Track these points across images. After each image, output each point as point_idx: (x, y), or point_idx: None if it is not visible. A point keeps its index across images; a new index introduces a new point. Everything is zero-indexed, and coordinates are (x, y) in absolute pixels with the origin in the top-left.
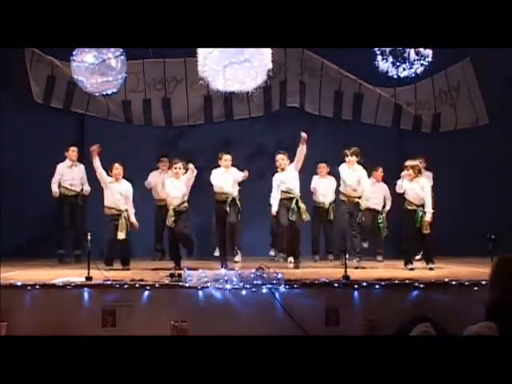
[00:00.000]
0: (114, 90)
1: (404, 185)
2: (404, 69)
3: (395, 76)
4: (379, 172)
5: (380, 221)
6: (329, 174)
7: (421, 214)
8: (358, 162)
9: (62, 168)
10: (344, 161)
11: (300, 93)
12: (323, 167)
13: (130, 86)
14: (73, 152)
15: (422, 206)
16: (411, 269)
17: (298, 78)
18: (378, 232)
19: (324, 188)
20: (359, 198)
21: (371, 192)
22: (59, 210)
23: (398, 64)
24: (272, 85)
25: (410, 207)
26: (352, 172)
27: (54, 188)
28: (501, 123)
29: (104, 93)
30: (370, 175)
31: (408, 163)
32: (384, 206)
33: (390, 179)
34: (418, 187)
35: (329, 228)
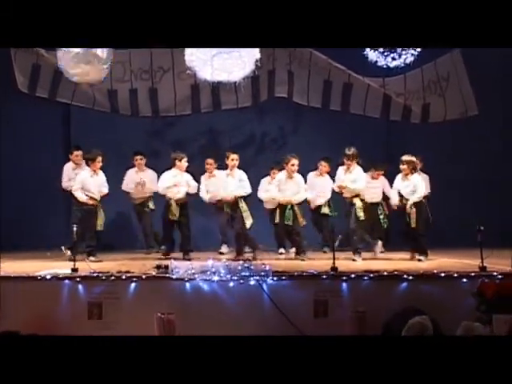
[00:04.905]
0: (100, 80)
1: (396, 180)
2: (393, 59)
3: (384, 66)
4: (375, 171)
5: (379, 212)
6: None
7: (409, 207)
8: (357, 163)
9: (67, 170)
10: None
11: (288, 83)
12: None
13: (116, 76)
14: (76, 157)
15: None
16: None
17: (287, 67)
18: (378, 224)
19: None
20: (355, 196)
21: (367, 188)
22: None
23: (387, 54)
24: (260, 74)
25: (403, 202)
26: (350, 175)
27: (66, 184)
28: (491, 115)
29: (90, 82)
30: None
31: (404, 158)
32: (385, 200)
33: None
34: (409, 185)
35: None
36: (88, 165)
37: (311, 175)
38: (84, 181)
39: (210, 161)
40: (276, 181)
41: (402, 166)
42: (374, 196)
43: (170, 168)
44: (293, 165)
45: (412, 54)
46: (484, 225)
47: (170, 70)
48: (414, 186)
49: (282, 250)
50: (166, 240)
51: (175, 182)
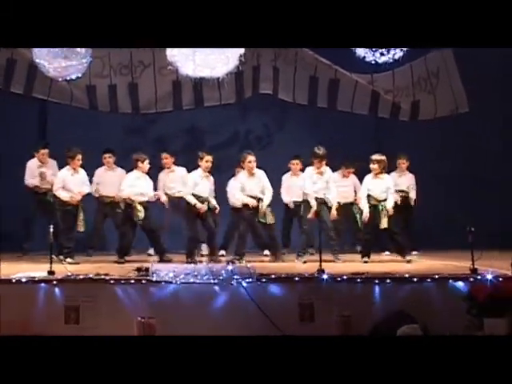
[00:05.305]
0: (78, 75)
1: (366, 180)
2: (382, 54)
3: (373, 62)
4: (345, 169)
5: (355, 212)
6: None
7: (381, 208)
8: (326, 164)
9: (32, 167)
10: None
11: (273, 79)
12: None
13: (95, 71)
14: (42, 155)
15: (384, 200)
16: (365, 262)
17: (272, 63)
18: (355, 224)
19: None
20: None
21: (338, 187)
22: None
23: (375, 49)
24: (244, 70)
25: (371, 202)
26: (321, 177)
27: (30, 181)
28: (486, 113)
29: (67, 77)
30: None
31: (374, 157)
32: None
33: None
34: (381, 184)
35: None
36: (67, 163)
37: (286, 177)
38: (65, 180)
39: (166, 155)
40: (238, 183)
41: (372, 166)
42: (345, 195)
43: (132, 169)
44: (250, 162)
45: (401, 50)
46: (474, 225)
47: (151, 66)
48: (386, 187)
49: (266, 252)
50: (127, 245)
51: (138, 184)
